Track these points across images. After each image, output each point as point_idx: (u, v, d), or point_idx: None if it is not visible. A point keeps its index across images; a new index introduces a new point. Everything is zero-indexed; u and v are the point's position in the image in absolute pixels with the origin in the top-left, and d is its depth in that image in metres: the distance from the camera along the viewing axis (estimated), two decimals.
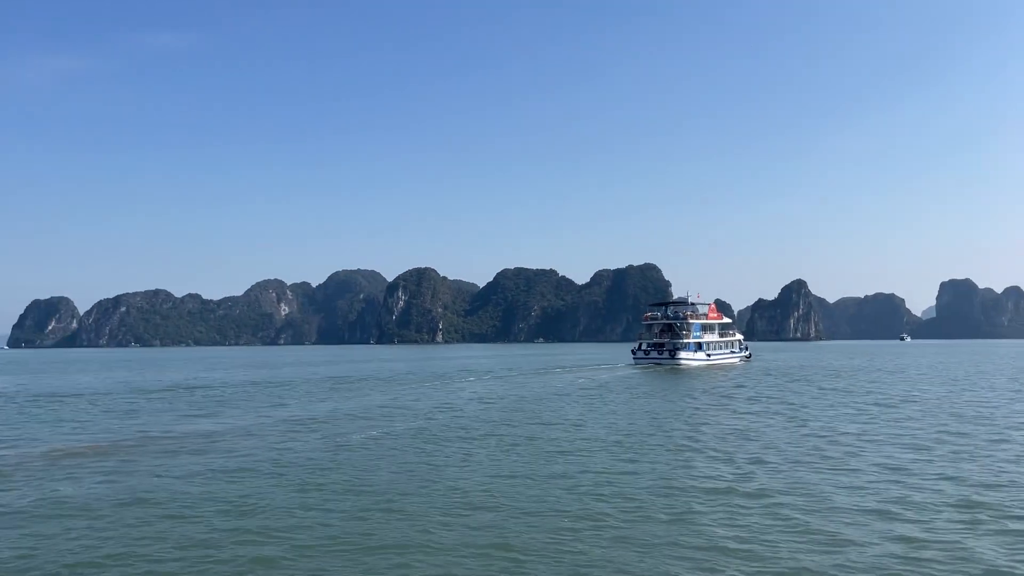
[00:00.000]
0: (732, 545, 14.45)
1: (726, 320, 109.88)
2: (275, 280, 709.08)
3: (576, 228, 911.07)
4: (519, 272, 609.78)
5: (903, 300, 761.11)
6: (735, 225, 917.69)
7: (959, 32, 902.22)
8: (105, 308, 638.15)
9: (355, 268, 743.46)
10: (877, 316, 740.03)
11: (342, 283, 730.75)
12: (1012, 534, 14.99)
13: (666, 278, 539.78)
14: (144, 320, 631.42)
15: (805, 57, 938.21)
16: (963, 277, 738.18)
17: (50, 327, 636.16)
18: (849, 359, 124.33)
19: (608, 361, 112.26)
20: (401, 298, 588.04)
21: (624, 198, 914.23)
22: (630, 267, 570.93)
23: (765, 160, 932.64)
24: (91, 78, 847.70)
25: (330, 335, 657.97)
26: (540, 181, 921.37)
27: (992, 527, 15.48)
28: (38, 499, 18.84)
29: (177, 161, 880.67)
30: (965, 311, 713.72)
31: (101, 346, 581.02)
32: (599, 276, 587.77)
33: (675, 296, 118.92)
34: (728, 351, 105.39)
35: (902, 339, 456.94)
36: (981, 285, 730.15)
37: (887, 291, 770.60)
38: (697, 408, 40.60)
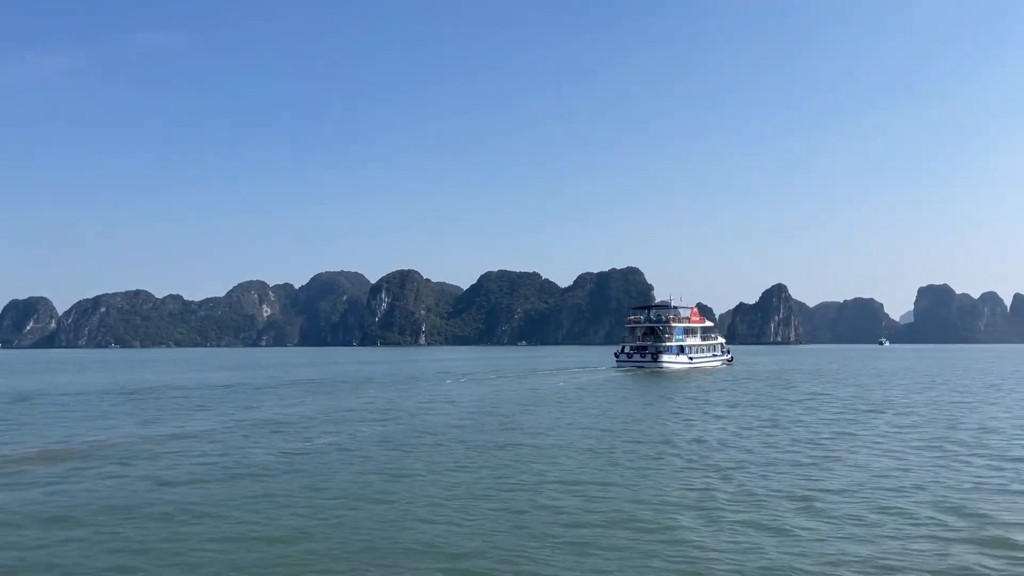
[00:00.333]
0: (705, 551, 13.79)
1: (708, 324, 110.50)
2: (257, 281, 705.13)
3: (560, 231, 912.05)
4: (502, 275, 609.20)
5: (882, 305, 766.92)
6: (717, 229, 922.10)
7: (938, 39, 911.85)
8: (84, 308, 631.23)
9: (338, 270, 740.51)
10: (856, 321, 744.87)
11: (325, 285, 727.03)
12: (986, 541, 14.48)
13: (649, 281, 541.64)
14: (124, 321, 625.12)
15: (789, 62, 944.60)
16: (941, 283, 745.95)
17: (28, 327, 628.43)
18: (828, 363, 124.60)
19: (590, 364, 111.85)
20: (384, 300, 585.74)
21: (607, 202, 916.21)
22: (613, 270, 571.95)
23: (747, 164, 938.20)
24: (73, 76, 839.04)
25: (312, 337, 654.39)
26: (524, 183, 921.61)
27: (967, 534, 14.95)
28: None
29: (160, 161, 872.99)
30: (943, 316, 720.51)
31: (80, 347, 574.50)
32: (582, 279, 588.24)
33: (657, 300, 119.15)
34: (710, 354, 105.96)
35: (881, 344, 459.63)
36: (958, 291, 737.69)
37: (866, 296, 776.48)
38: (675, 412, 39.98)
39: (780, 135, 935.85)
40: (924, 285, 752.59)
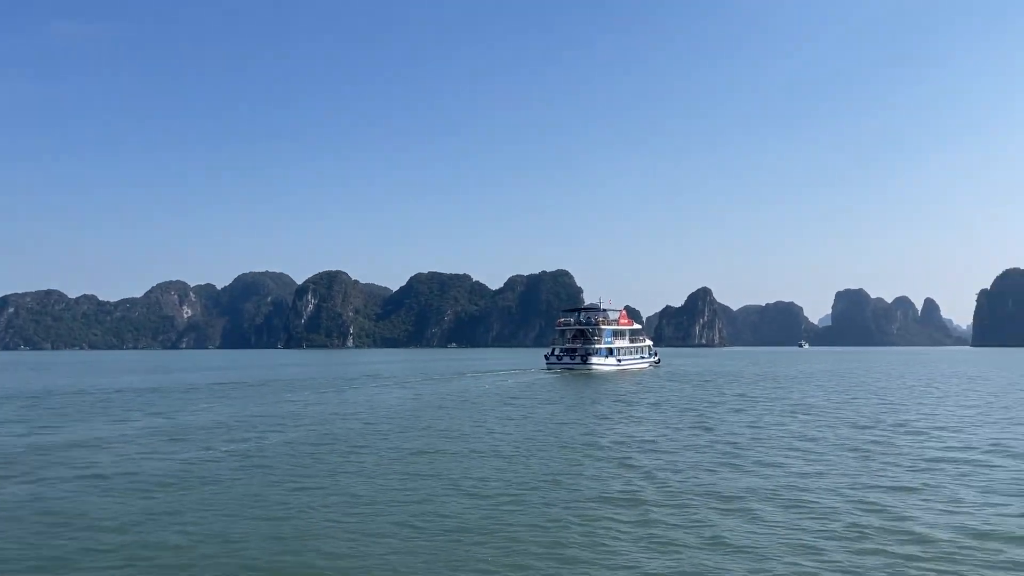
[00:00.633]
0: (626, 553, 12.91)
1: (636, 326, 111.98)
2: (177, 281, 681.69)
3: (490, 233, 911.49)
4: (433, 276, 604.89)
5: (801, 308, 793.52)
6: (645, 233, 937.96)
7: (860, 54, 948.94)
8: None
9: (263, 270, 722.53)
10: (777, 323, 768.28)
11: (249, 285, 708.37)
12: (903, 541, 14.04)
13: (578, 284, 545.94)
14: (34, 322, 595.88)
15: (717, 67, 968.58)
16: (857, 287, 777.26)
17: None
18: (751, 365, 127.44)
19: (520, 366, 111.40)
20: (311, 301, 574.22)
21: (538, 204, 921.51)
22: (543, 273, 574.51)
23: (673, 170, 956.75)
24: None
25: (235, 339, 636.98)
26: (454, 185, 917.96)
27: (883, 534, 14.52)
28: None
29: (73, 155, 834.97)
30: (858, 319, 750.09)
31: None
32: (512, 282, 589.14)
33: (587, 302, 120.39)
34: (638, 357, 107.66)
35: (800, 346, 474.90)
36: (873, 295, 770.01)
37: (787, 300, 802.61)
38: (600, 414, 39.43)
39: (706, 142, 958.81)
40: (841, 289, 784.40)
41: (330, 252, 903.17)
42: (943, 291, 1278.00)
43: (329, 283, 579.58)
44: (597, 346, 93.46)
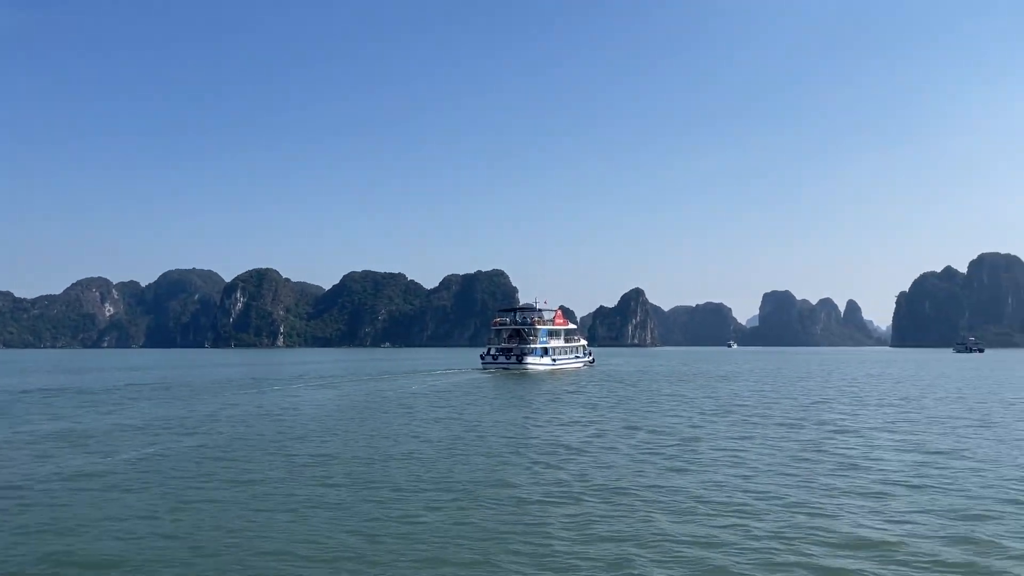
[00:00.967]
0: (556, 555, 11.93)
1: (571, 326, 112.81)
2: (99, 278, 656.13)
3: (425, 233, 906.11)
4: (366, 275, 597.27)
5: (730, 310, 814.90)
6: (579, 234, 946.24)
7: (789, 60, 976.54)
8: None
9: (190, 267, 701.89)
10: (707, 324, 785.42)
11: (175, 283, 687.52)
12: (834, 541, 13.59)
13: (514, 284, 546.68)
14: None
15: (652, 74, 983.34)
16: (783, 289, 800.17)
17: None
18: (682, 364, 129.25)
19: (454, 366, 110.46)
20: (239, 300, 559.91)
21: (473, 204, 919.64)
22: (479, 272, 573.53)
23: (606, 173, 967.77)
24: None
25: (161, 338, 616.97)
26: (389, 183, 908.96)
27: (814, 533, 14.04)
28: None
29: None
30: (784, 320, 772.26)
31: None
32: (448, 281, 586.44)
33: (523, 302, 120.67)
34: (573, 356, 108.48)
35: (729, 346, 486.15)
36: (799, 297, 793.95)
37: (716, 301, 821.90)
38: (532, 414, 38.66)
39: (637, 144, 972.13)
40: (768, 291, 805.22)
41: (261, 250, 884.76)
42: (865, 293, 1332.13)
43: (259, 281, 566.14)
44: (532, 346, 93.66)
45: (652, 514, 16.62)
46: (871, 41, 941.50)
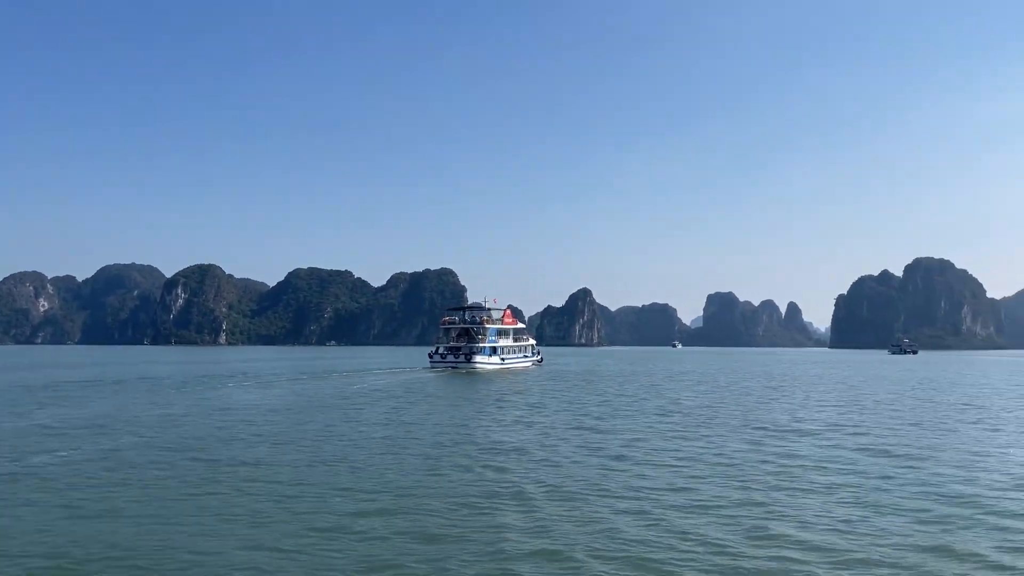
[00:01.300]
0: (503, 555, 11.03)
1: (520, 325, 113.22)
2: (33, 272, 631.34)
3: (373, 230, 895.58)
4: (312, 272, 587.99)
5: (676, 310, 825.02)
6: (528, 234, 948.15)
7: (735, 64, 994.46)
8: None
9: (129, 262, 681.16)
10: (653, 324, 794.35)
11: (113, 278, 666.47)
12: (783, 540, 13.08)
13: (462, 283, 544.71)
14: None
15: (600, 79, 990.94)
16: (727, 290, 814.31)
17: None
18: (628, 364, 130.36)
19: (401, 365, 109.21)
20: (181, 296, 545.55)
21: (422, 203, 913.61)
22: (427, 271, 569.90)
23: (554, 173, 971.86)
24: None
25: (98, 334, 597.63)
26: (336, 180, 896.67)
27: (756, 532, 13.50)
28: None
29: None
30: (728, 321, 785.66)
31: None
32: (396, 279, 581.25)
33: (471, 301, 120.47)
34: (521, 356, 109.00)
35: (674, 346, 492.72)
36: (741, 298, 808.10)
37: (662, 301, 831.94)
38: (476, 413, 37.79)
39: (585, 147, 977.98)
40: (712, 292, 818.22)
41: (203, 245, 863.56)
42: (805, 296, 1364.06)
43: (201, 277, 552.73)
44: (481, 345, 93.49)
45: (598, 513, 16.48)
46: (809, 49, 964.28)
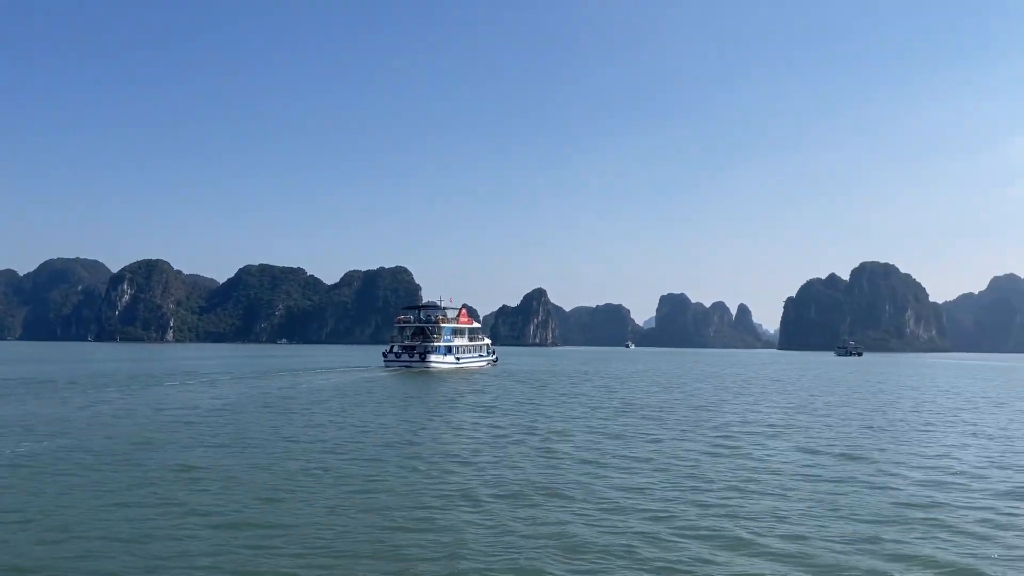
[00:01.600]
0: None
1: (475, 325, 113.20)
2: None
3: (326, 227, 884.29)
4: (264, 269, 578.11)
5: (629, 311, 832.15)
6: (484, 233, 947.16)
7: (684, 68, 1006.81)
8: None
9: (73, 256, 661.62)
10: (606, 325, 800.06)
11: (56, 272, 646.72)
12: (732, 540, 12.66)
13: (417, 282, 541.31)
14: None
15: (558, 83, 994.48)
16: (679, 292, 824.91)
17: None
18: (582, 364, 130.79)
19: (354, 363, 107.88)
20: (127, 292, 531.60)
21: (376, 199, 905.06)
22: (381, 269, 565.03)
23: (510, 175, 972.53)
24: None
25: (40, 330, 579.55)
26: (288, 176, 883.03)
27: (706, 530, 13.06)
28: None
29: None
30: (680, 322, 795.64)
31: None
32: (349, 277, 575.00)
33: (426, 300, 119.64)
34: (476, 355, 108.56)
35: (627, 346, 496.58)
36: (693, 300, 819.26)
37: (615, 302, 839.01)
38: (429, 413, 36.89)
39: (537, 144, 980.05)
40: (665, 294, 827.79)
41: (151, 240, 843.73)
42: (755, 298, 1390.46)
43: (148, 272, 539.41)
44: (436, 344, 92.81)
45: (550, 515, 16.38)
46: (757, 56, 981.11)
